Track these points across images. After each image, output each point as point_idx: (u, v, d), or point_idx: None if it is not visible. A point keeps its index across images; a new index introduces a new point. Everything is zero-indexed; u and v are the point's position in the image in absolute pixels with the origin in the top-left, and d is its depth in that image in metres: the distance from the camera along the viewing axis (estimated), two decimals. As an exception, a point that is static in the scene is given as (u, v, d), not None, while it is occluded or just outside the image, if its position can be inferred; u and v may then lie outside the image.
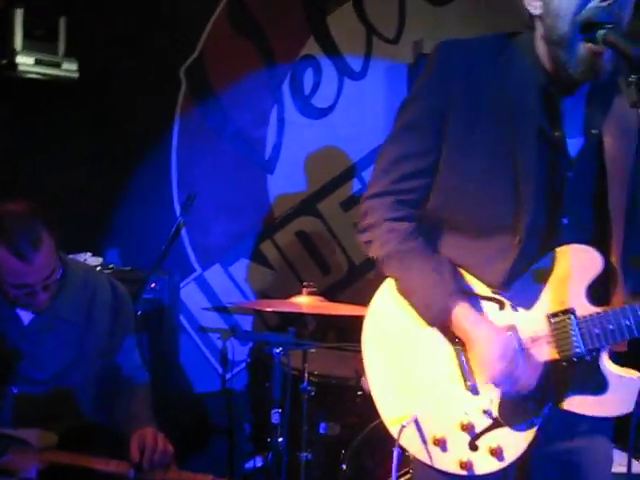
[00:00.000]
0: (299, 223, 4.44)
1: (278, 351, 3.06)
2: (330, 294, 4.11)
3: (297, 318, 3.40)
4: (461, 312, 1.87)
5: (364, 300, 2.10)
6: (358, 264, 4.47)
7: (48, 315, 2.61)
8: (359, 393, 3.13)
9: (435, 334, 1.94)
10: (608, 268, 1.85)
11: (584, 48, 1.72)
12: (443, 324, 1.90)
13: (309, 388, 3.12)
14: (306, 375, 3.12)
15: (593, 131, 1.83)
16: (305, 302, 3.15)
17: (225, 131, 4.32)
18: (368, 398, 2.03)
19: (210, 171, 4.30)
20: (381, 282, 2.04)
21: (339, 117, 4.44)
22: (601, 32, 1.68)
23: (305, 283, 3.22)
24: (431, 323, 1.92)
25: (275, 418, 3.06)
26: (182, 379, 4.22)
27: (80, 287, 2.68)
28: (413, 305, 1.94)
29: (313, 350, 3.42)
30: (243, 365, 4.31)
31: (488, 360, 1.84)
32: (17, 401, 2.57)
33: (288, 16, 4.38)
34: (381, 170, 1.95)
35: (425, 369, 1.94)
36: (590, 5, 1.69)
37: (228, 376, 4.20)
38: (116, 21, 4.07)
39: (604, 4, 1.68)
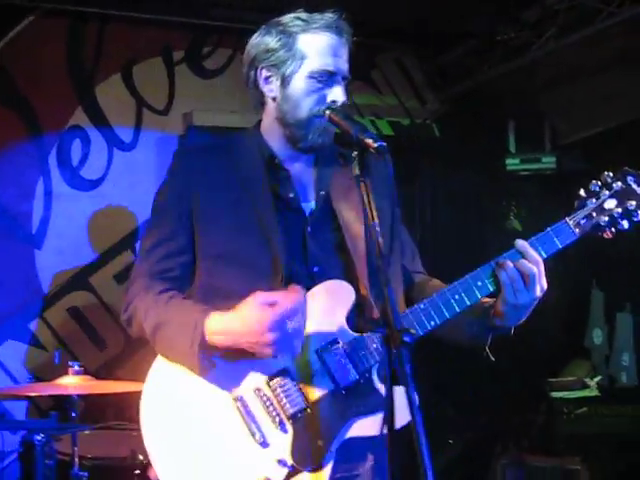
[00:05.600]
0: (71, 299, 4.27)
1: (40, 438, 2.93)
2: (107, 371, 3.97)
3: (65, 400, 3.24)
4: (213, 323, 1.85)
5: (142, 375, 2.03)
6: (135, 337, 4.35)
7: None
8: (136, 472, 3.04)
9: (215, 397, 1.91)
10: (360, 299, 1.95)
11: (318, 129, 1.97)
12: (205, 350, 1.86)
13: (80, 473, 2.99)
14: (76, 460, 2.99)
15: (321, 192, 2.05)
16: (72, 383, 3.05)
17: (-13, 206, 4.11)
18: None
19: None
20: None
21: (110, 189, 4.37)
22: (327, 111, 1.94)
23: (70, 363, 3.11)
24: (192, 366, 1.88)
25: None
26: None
27: None
28: (173, 358, 1.92)
29: (87, 432, 3.29)
30: (15, 456, 4.01)
31: (255, 331, 1.80)
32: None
33: (54, 86, 4.28)
34: (144, 252, 2.06)
35: (212, 436, 1.89)
36: (322, 106, 1.95)
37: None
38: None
39: (335, 105, 1.95)
